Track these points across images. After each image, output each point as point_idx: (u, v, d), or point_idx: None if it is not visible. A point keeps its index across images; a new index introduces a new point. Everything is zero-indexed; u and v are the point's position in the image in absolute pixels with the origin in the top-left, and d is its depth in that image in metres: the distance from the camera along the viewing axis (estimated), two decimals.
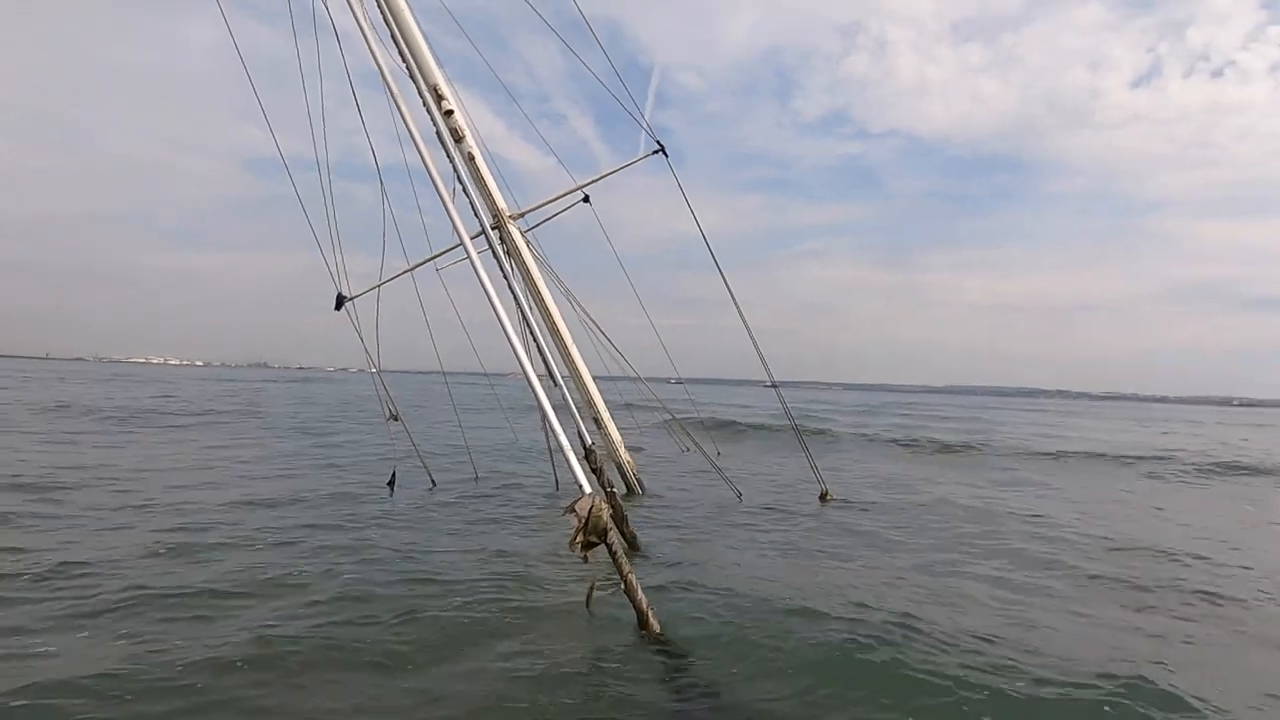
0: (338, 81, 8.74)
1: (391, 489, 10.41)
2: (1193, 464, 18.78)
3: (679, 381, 17.43)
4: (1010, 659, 4.62)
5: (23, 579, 5.58)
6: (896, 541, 8.22)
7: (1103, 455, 20.34)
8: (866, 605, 5.57)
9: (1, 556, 6.14)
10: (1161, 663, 4.73)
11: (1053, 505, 11.63)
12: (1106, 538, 8.90)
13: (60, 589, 5.39)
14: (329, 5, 8.28)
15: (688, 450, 15.83)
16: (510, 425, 19.09)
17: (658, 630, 4.64)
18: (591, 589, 4.93)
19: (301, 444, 16.96)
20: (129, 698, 3.75)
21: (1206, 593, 6.61)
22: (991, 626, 5.29)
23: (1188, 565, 7.69)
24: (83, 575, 5.72)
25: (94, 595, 5.26)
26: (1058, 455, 20.30)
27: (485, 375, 13.41)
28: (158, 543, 6.82)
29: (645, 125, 10.05)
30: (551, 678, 4.17)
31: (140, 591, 5.34)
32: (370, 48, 5.96)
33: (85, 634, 4.58)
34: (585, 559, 4.66)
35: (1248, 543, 9.19)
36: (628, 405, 16.18)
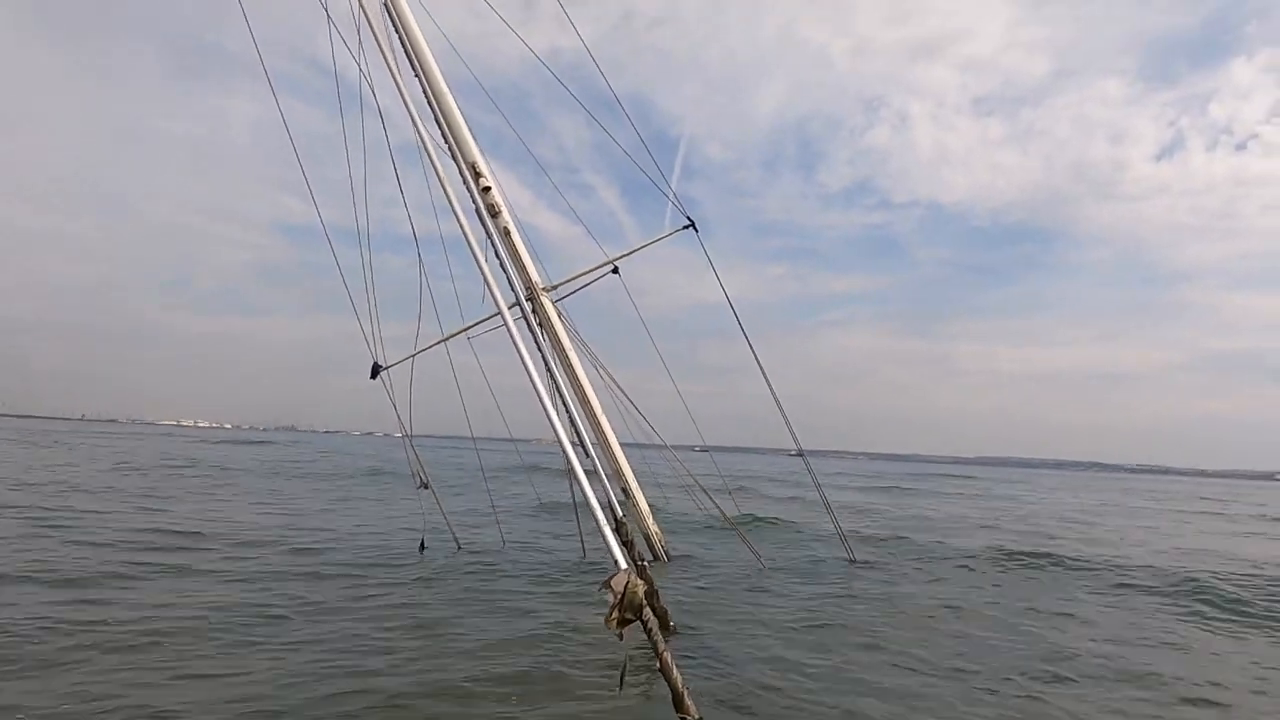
0: (373, 157, 9.20)
1: (421, 553, 10.40)
2: None
3: (704, 449, 17.23)
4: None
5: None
6: (926, 605, 8.00)
7: None
8: (911, 669, 5.35)
9: None
10: None
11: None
12: None
13: None
14: (373, 86, 8.75)
15: (717, 524, 15.50)
16: (535, 490, 19.05)
17: (695, 713, 4.47)
18: (624, 667, 4.79)
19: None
20: None
21: None
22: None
23: None
24: None
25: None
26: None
27: (511, 440, 13.58)
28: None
29: (675, 200, 10.31)
30: None
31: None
32: (416, 125, 6.19)
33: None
34: (620, 636, 4.55)
35: None
36: (654, 477, 16.05)
